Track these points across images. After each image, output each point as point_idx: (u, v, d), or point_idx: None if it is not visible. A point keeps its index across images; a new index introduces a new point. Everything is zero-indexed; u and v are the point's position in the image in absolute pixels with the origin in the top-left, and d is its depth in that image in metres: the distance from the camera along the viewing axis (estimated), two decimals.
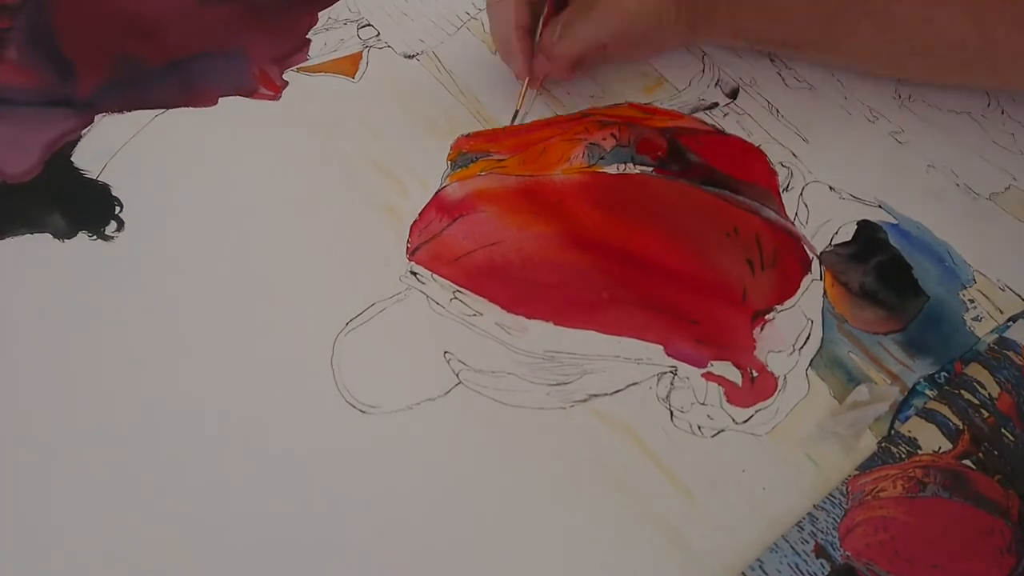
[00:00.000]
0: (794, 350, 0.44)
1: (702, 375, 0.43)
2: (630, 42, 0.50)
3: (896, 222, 0.47)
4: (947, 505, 0.39)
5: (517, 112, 0.51)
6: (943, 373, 0.43)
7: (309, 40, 0.54)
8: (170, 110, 0.51)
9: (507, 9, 0.48)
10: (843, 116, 0.51)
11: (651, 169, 0.49)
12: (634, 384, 0.43)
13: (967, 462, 0.41)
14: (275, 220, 0.47)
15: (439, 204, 0.48)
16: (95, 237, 0.46)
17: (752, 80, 0.53)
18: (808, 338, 0.44)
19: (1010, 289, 0.45)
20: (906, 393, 0.43)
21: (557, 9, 0.48)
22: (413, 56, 0.54)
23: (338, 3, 0.56)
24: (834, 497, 0.40)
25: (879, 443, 0.41)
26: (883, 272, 0.46)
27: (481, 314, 0.44)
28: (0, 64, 0.52)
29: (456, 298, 0.45)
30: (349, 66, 0.53)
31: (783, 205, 0.48)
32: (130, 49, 0.53)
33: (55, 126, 0.50)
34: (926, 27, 0.46)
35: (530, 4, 0.48)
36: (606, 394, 0.42)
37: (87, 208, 0.47)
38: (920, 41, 0.47)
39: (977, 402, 0.42)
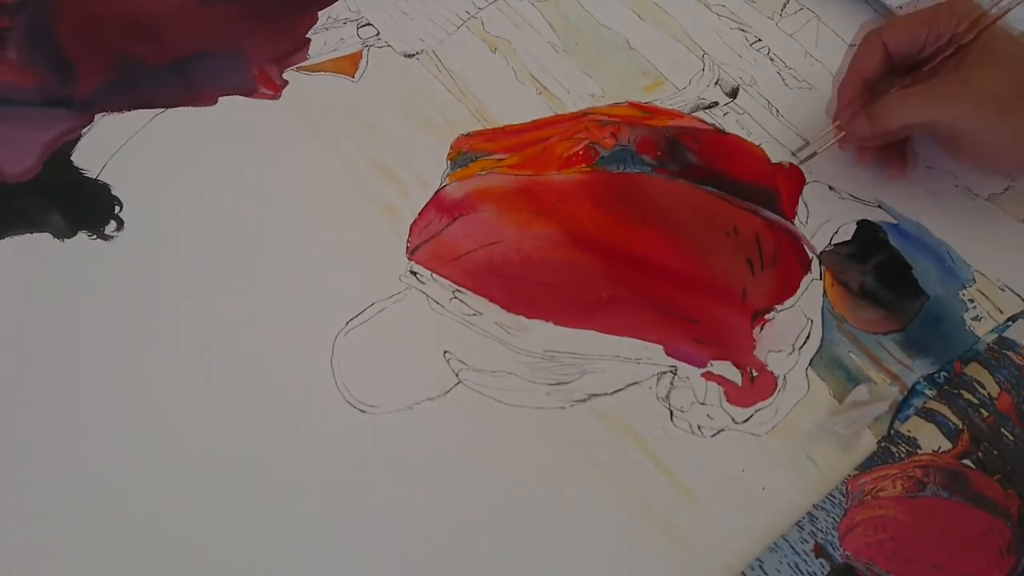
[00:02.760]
0: (794, 350, 0.44)
1: (702, 375, 0.43)
2: (982, 140, 0.43)
3: (896, 222, 0.47)
4: (947, 505, 0.39)
5: (807, 147, 0.49)
6: (943, 373, 0.43)
7: (309, 39, 0.54)
8: (170, 110, 0.51)
9: (864, 53, 0.45)
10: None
11: (651, 169, 0.49)
12: (634, 384, 0.43)
13: (967, 462, 0.41)
14: (275, 220, 0.47)
15: (439, 204, 0.48)
16: (95, 237, 0.46)
17: (752, 80, 0.53)
18: (808, 338, 0.44)
19: (1009, 289, 0.45)
20: (906, 393, 0.43)
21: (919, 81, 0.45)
22: (413, 55, 0.54)
23: (338, 2, 0.56)
24: (834, 497, 0.40)
25: (879, 443, 0.41)
26: (883, 272, 0.46)
27: (481, 314, 0.44)
28: (0, 64, 0.52)
29: (456, 298, 0.45)
30: (349, 65, 0.53)
31: (789, 205, 0.48)
32: (130, 49, 0.53)
33: (55, 126, 0.50)
34: None
35: (888, 59, 0.45)
36: (606, 394, 0.42)
37: (87, 208, 0.47)
38: None
39: (977, 402, 0.42)
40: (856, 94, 0.46)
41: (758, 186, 0.48)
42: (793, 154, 0.49)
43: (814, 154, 0.48)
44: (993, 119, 0.42)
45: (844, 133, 0.47)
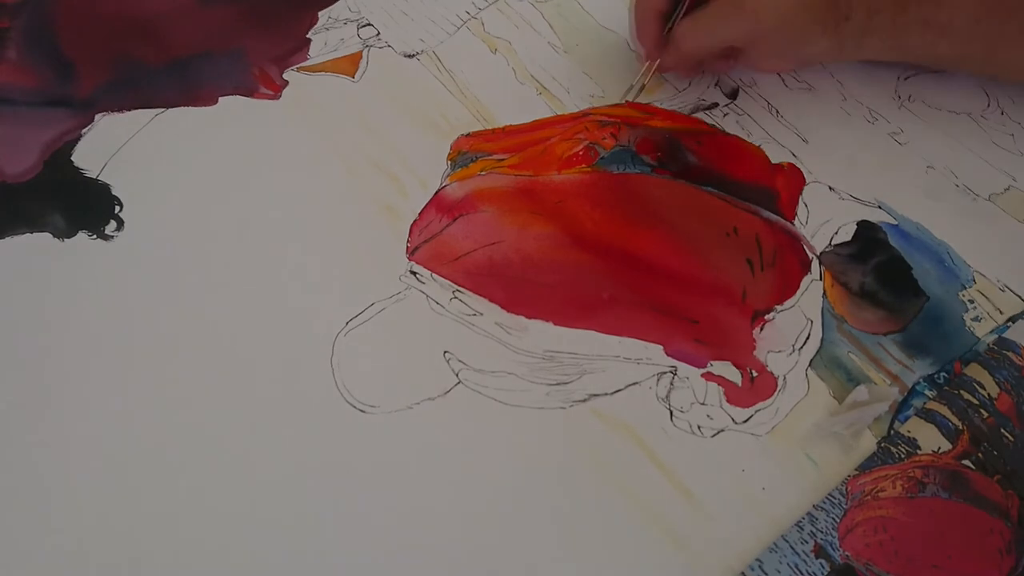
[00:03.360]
0: (794, 350, 0.44)
1: (702, 375, 0.43)
2: (766, 52, 0.49)
3: (896, 222, 0.47)
4: (946, 505, 0.39)
5: (632, 87, 0.51)
6: (943, 373, 0.43)
7: (309, 40, 0.54)
8: (170, 110, 0.51)
9: None
10: (843, 116, 0.51)
11: (651, 169, 0.49)
12: (634, 384, 0.43)
13: (966, 462, 0.41)
14: (275, 220, 0.47)
15: (439, 204, 0.48)
16: (95, 236, 0.46)
17: (752, 80, 0.53)
18: (808, 338, 0.44)
19: (1010, 290, 0.45)
20: (906, 393, 0.43)
21: (699, 3, 0.48)
22: (413, 55, 0.54)
23: (338, 3, 0.56)
24: (833, 497, 0.40)
25: (879, 443, 0.41)
26: (883, 272, 0.46)
27: (481, 314, 0.44)
28: (0, 64, 0.52)
29: (456, 298, 0.45)
30: (349, 66, 0.53)
31: (789, 205, 0.48)
32: (130, 49, 0.53)
33: (55, 126, 0.50)
34: None
35: None
36: (606, 394, 0.42)
37: (87, 207, 0.47)
38: None
39: (977, 402, 0.42)
40: (655, 26, 0.49)
41: (758, 186, 0.48)
42: (623, 100, 0.51)
43: (642, 87, 0.51)
44: (768, 33, 0.47)
45: (657, 63, 0.50)
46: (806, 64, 0.52)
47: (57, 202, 0.47)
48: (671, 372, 0.43)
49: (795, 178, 0.49)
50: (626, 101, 0.51)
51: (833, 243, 0.47)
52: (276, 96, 0.52)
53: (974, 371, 0.43)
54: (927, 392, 0.43)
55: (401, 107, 0.51)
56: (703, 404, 0.42)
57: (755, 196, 0.48)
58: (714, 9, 0.47)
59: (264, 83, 0.52)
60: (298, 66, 0.53)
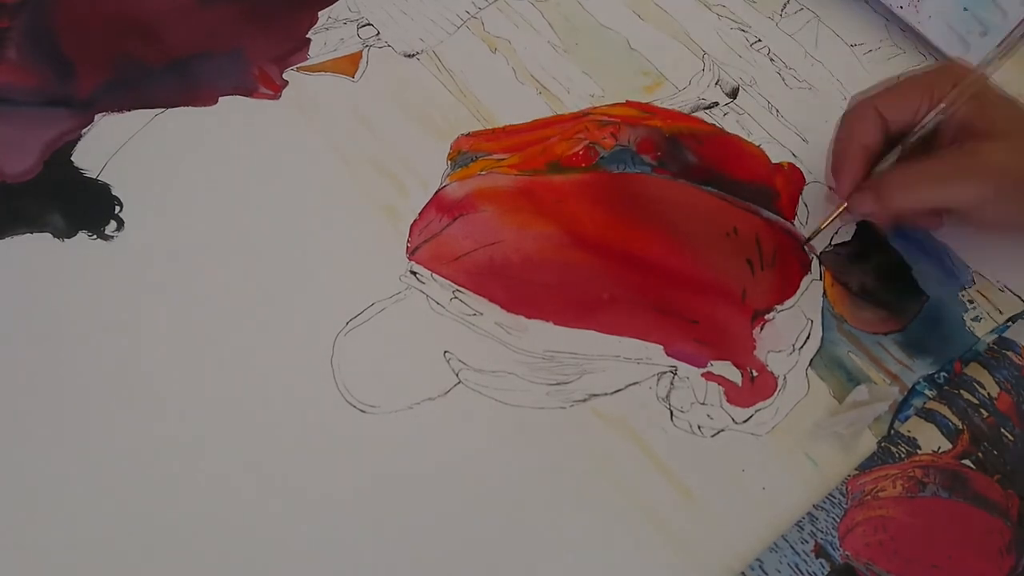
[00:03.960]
0: (794, 350, 0.44)
1: (702, 375, 0.43)
2: (997, 214, 0.42)
3: None
4: (947, 505, 0.40)
5: (818, 230, 0.45)
6: (943, 373, 0.43)
7: (309, 39, 0.54)
8: (170, 110, 0.51)
9: (862, 125, 0.42)
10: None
11: (651, 169, 0.49)
12: (634, 384, 0.43)
13: (967, 462, 0.41)
14: (275, 220, 0.47)
15: (439, 203, 0.48)
16: (95, 237, 0.46)
17: (752, 80, 0.53)
18: (808, 338, 0.44)
19: (1009, 290, 0.45)
20: (906, 393, 0.43)
21: (923, 150, 0.42)
22: (413, 55, 0.54)
23: (338, 2, 0.56)
24: (834, 497, 0.40)
25: (879, 443, 0.41)
26: (883, 272, 0.46)
27: (481, 314, 0.44)
28: (0, 64, 0.52)
29: (456, 298, 0.45)
30: (349, 65, 0.53)
31: (789, 205, 0.48)
32: (130, 49, 0.53)
33: (55, 126, 0.50)
34: None
35: (885, 129, 0.42)
36: (606, 394, 0.42)
37: (87, 208, 0.47)
38: None
39: (977, 402, 0.42)
40: (859, 166, 0.43)
41: (758, 186, 0.48)
42: (806, 241, 0.46)
43: (818, 231, 0.45)
44: (1012, 197, 0.40)
45: (846, 206, 0.44)
46: None
47: (57, 202, 0.47)
48: (671, 372, 0.43)
49: (795, 178, 0.49)
50: (805, 240, 0.46)
51: (833, 243, 0.47)
52: (276, 96, 0.52)
53: (974, 371, 0.43)
54: (927, 392, 0.43)
55: (401, 107, 0.51)
56: (703, 404, 0.42)
57: (755, 196, 0.48)
58: (939, 164, 0.41)
59: (264, 83, 0.52)
60: (298, 66, 0.53)
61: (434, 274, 0.45)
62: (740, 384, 0.43)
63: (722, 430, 0.42)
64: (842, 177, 0.43)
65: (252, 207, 0.48)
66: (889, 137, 0.43)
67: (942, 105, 0.41)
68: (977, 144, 0.40)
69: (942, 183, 0.41)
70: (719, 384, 0.43)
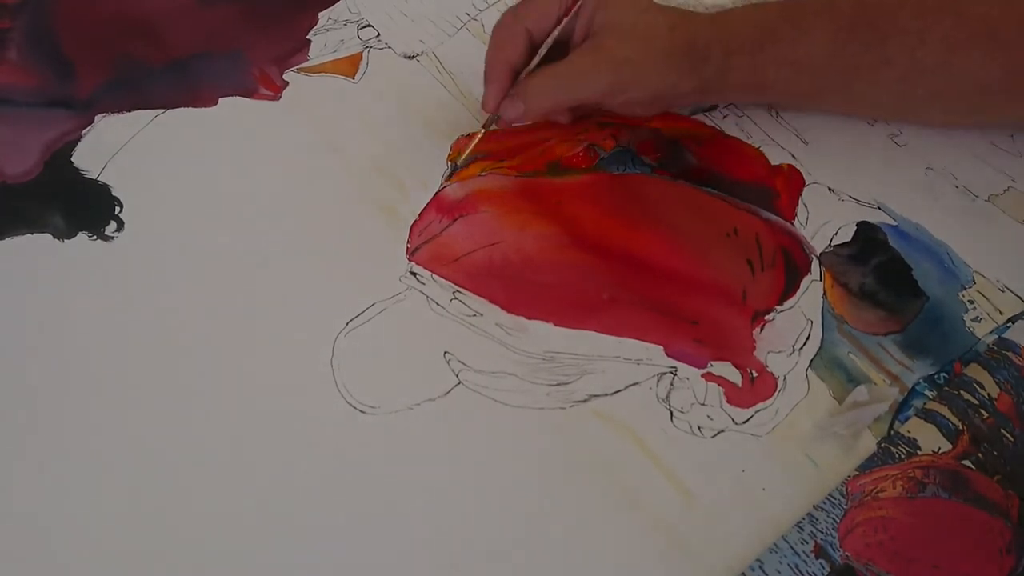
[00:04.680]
0: (794, 351, 0.44)
1: (702, 375, 0.43)
2: (627, 103, 0.47)
3: (895, 223, 0.47)
4: (947, 505, 0.39)
5: (467, 150, 0.48)
6: (942, 374, 0.43)
7: (309, 41, 0.54)
8: (170, 110, 0.51)
9: (506, 39, 0.46)
10: (842, 118, 0.51)
11: (651, 170, 0.49)
12: (634, 384, 0.43)
13: (967, 462, 0.41)
14: (275, 220, 0.47)
15: (439, 204, 0.48)
16: (95, 237, 0.46)
17: None
18: (808, 339, 0.44)
19: (1009, 290, 0.45)
20: (906, 394, 0.43)
21: (556, 56, 0.45)
22: (413, 57, 0.54)
23: (338, 4, 0.56)
24: (834, 497, 0.40)
25: (879, 443, 0.41)
26: (883, 273, 0.46)
27: (481, 314, 0.44)
28: (0, 64, 0.52)
29: (456, 298, 0.45)
30: (349, 67, 0.53)
31: (789, 206, 0.48)
32: (130, 49, 0.53)
33: (55, 126, 0.50)
34: (949, 71, 0.44)
35: (529, 43, 0.46)
36: (606, 394, 0.42)
37: (87, 208, 0.47)
38: (944, 86, 0.45)
39: (976, 402, 0.42)
40: (504, 77, 0.46)
41: (758, 187, 0.48)
42: (451, 160, 0.49)
43: (477, 140, 0.48)
44: (629, 84, 0.45)
45: (500, 118, 0.46)
46: (672, 108, 0.50)
47: (57, 203, 0.47)
48: (671, 372, 0.43)
49: (795, 179, 0.49)
50: (451, 168, 0.49)
51: (833, 244, 0.47)
52: (276, 97, 0.52)
53: (974, 371, 0.43)
54: (927, 392, 0.43)
55: (401, 108, 0.51)
56: (703, 405, 0.42)
57: (755, 196, 0.48)
58: (567, 66, 0.45)
59: (264, 84, 0.52)
60: (298, 67, 0.53)
61: (434, 275, 0.45)
62: (740, 385, 0.43)
63: (722, 431, 0.42)
64: (489, 88, 0.46)
65: (252, 208, 0.48)
66: (534, 46, 0.46)
67: (573, 10, 0.45)
68: (600, 40, 0.45)
69: (572, 81, 0.45)
70: (719, 385, 0.43)
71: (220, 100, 0.51)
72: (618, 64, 0.44)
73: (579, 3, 0.45)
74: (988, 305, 0.45)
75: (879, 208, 0.48)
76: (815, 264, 0.46)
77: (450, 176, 0.48)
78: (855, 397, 0.42)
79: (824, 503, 0.40)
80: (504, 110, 0.46)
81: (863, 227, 0.47)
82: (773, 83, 0.47)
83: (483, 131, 0.47)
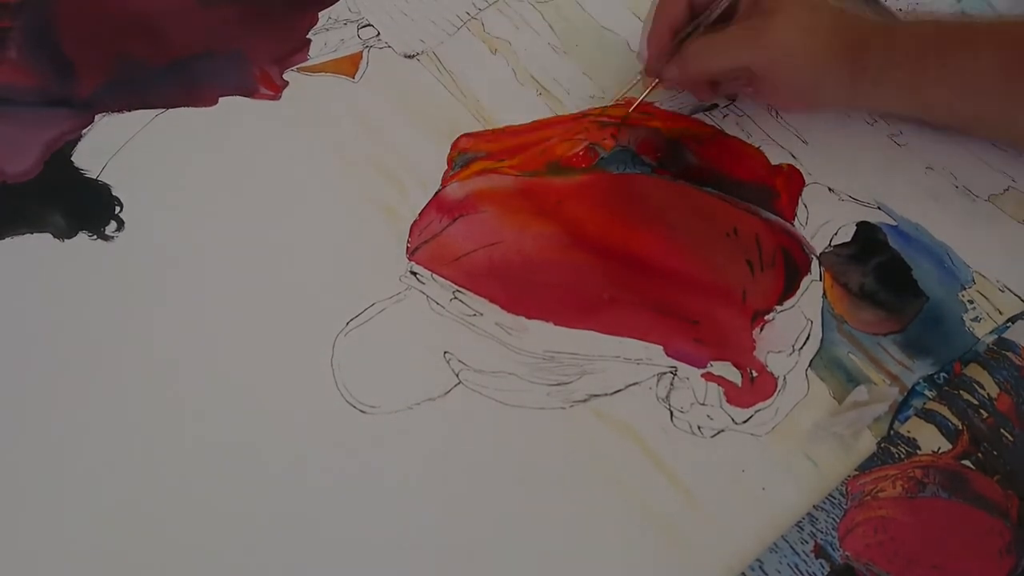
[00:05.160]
0: (794, 350, 0.44)
1: (702, 375, 0.43)
2: (779, 87, 0.47)
3: (895, 223, 0.47)
4: (946, 505, 0.40)
5: (636, 105, 0.50)
6: (942, 374, 0.43)
7: (309, 40, 0.54)
8: (170, 110, 0.51)
9: (671, 2, 0.47)
10: (842, 118, 0.51)
11: (651, 170, 0.49)
12: (634, 384, 0.43)
13: (966, 462, 0.41)
14: (275, 220, 0.47)
15: (439, 204, 0.48)
16: (95, 237, 0.46)
17: None
18: (808, 338, 0.44)
19: (1009, 290, 0.45)
20: (905, 394, 0.43)
21: (720, 21, 0.46)
22: (413, 56, 0.54)
23: (338, 3, 0.56)
24: (834, 497, 0.40)
25: (879, 443, 0.41)
26: (882, 273, 0.46)
27: (481, 314, 0.44)
28: (0, 64, 0.52)
29: (456, 298, 0.45)
30: (349, 66, 0.53)
31: (789, 206, 0.48)
32: (130, 49, 0.53)
33: (55, 126, 0.50)
34: None
35: (691, 7, 0.47)
36: (606, 394, 0.42)
37: (87, 208, 0.47)
38: None
39: (976, 402, 0.42)
40: (665, 43, 0.47)
41: (758, 187, 0.48)
42: (616, 103, 0.51)
43: (638, 103, 0.50)
44: (782, 68, 0.45)
45: (658, 81, 0.49)
46: (819, 107, 0.50)
47: (57, 202, 0.47)
48: (671, 372, 0.43)
49: (795, 179, 0.49)
50: (621, 117, 0.51)
51: (833, 244, 0.47)
52: (276, 96, 0.52)
53: (974, 371, 0.43)
54: (927, 392, 0.43)
55: (401, 108, 0.51)
56: (703, 404, 0.42)
57: (755, 196, 0.48)
58: (730, 34, 0.45)
59: (264, 83, 0.52)
60: (298, 66, 0.53)
61: (434, 274, 0.45)
62: (740, 384, 0.43)
63: (722, 430, 0.42)
64: (652, 51, 0.48)
65: (252, 207, 0.48)
66: (695, 14, 0.47)
67: None
68: (763, 20, 0.44)
69: (731, 52, 0.46)
70: (719, 384, 0.43)
71: (220, 100, 0.51)
72: (777, 45, 0.44)
73: None
74: (988, 305, 0.45)
75: (879, 208, 0.48)
76: (815, 264, 0.46)
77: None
78: (855, 397, 0.42)
79: (824, 503, 0.40)
80: (663, 71, 0.47)
81: (863, 227, 0.47)
82: (930, 104, 0.47)
83: (647, 91, 0.49)
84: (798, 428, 0.42)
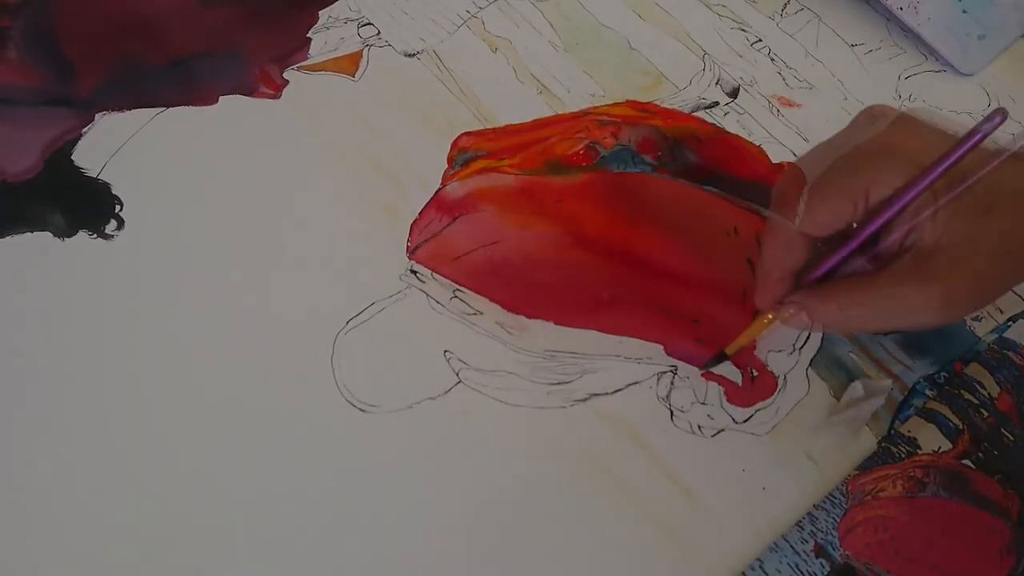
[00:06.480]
0: (794, 350, 0.44)
1: (702, 375, 0.43)
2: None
3: None
4: (947, 505, 0.39)
5: (740, 346, 0.41)
6: (943, 373, 0.43)
7: (309, 39, 0.54)
8: (170, 109, 0.51)
9: (786, 248, 0.37)
10: (843, 116, 0.51)
11: (651, 169, 0.49)
12: (634, 383, 0.43)
13: (967, 462, 0.41)
14: (275, 219, 0.47)
15: (439, 203, 0.48)
16: (95, 236, 0.46)
17: (752, 79, 0.53)
18: (808, 338, 0.44)
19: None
20: (906, 393, 0.43)
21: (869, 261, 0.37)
22: (413, 55, 0.54)
23: (338, 2, 0.56)
24: (834, 497, 0.40)
25: (879, 443, 0.41)
26: None
27: (481, 313, 0.44)
28: (0, 63, 0.52)
29: (456, 297, 0.45)
30: (349, 65, 0.53)
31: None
32: (130, 48, 0.53)
33: (55, 125, 0.50)
34: None
35: (812, 247, 0.37)
36: (606, 393, 0.42)
37: (87, 207, 0.47)
38: None
39: (977, 402, 0.42)
40: (783, 286, 0.38)
41: (759, 186, 0.48)
42: (726, 356, 0.42)
43: (740, 347, 0.42)
44: (966, 311, 0.37)
45: (777, 320, 0.39)
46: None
47: (57, 201, 0.47)
48: (671, 372, 0.43)
49: None
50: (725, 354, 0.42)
51: None
52: (276, 95, 0.52)
53: (974, 371, 0.43)
54: (927, 392, 0.43)
55: (401, 106, 0.51)
56: (703, 404, 0.42)
57: (756, 195, 0.48)
58: (880, 290, 0.35)
59: (264, 82, 0.52)
60: (298, 65, 0.53)
61: (434, 273, 0.45)
62: (740, 384, 0.43)
63: (722, 430, 0.42)
64: (763, 295, 0.39)
65: (252, 206, 0.48)
66: (816, 246, 0.37)
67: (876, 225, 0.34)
68: (920, 264, 0.34)
69: (889, 312, 0.35)
70: (719, 384, 0.43)
71: (220, 99, 0.51)
72: (965, 298, 0.34)
73: (894, 212, 0.34)
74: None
75: None
76: None
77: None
78: (851, 394, 0.42)
79: (824, 502, 0.40)
80: (783, 315, 0.38)
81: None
82: None
83: (760, 332, 0.40)
84: (798, 428, 0.42)
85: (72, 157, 0.49)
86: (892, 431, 0.42)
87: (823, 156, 0.36)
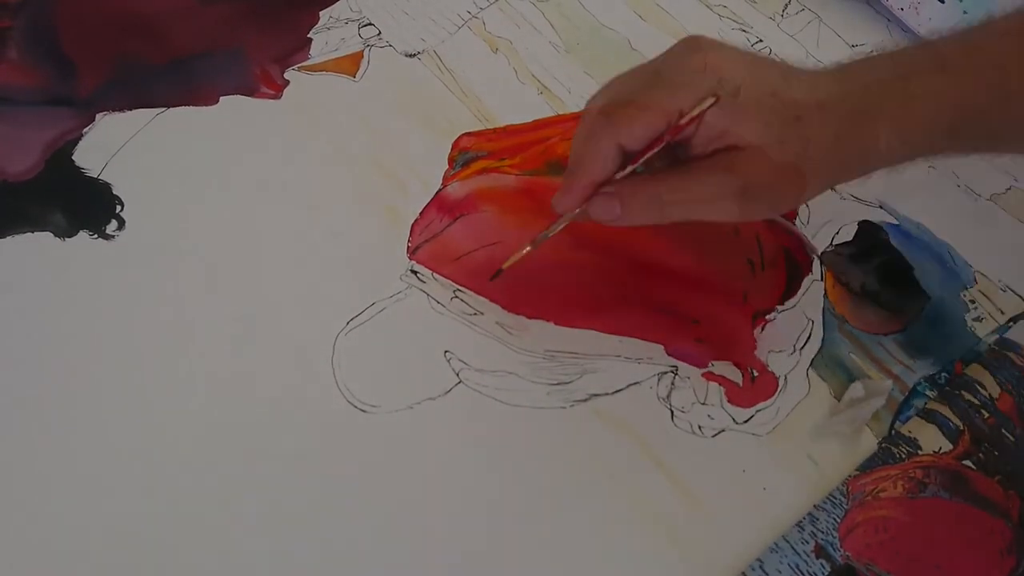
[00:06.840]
0: (795, 350, 0.44)
1: (703, 375, 0.43)
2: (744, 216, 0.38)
3: (897, 223, 0.47)
4: (947, 506, 0.39)
5: (538, 238, 0.40)
6: (944, 374, 0.43)
7: (310, 39, 0.54)
8: (171, 109, 0.51)
9: (594, 155, 0.37)
10: None
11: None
12: (635, 383, 0.43)
13: (967, 462, 0.41)
14: (275, 219, 0.47)
15: (440, 203, 0.48)
16: (96, 236, 0.46)
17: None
18: (809, 338, 0.44)
19: (1011, 290, 0.45)
20: (907, 394, 0.43)
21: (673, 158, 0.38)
22: (414, 55, 0.54)
23: (339, 2, 0.56)
24: (834, 497, 0.40)
25: (879, 443, 0.41)
26: (884, 273, 0.46)
27: (482, 313, 0.44)
28: (1, 63, 0.52)
29: (457, 297, 0.45)
30: (350, 65, 0.53)
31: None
32: (131, 48, 0.53)
33: (56, 125, 0.50)
34: None
35: (621, 157, 0.37)
36: (607, 393, 0.42)
37: (88, 207, 0.47)
38: None
39: (978, 403, 0.42)
40: (586, 195, 0.38)
41: None
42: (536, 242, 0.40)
43: (547, 236, 0.40)
44: (763, 209, 0.39)
45: (579, 212, 0.39)
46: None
47: (58, 201, 0.47)
48: (672, 372, 0.43)
49: None
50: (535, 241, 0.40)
51: (834, 243, 0.47)
52: (277, 96, 0.52)
53: (975, 371, 0.43)
54: (928, 392, 0.43)
55: (402, 107, 0.51)
56: (704, 404, 0.42)
57: None
58: (692, 179, 0.37)
59: (265, 83, 0.52)
60: (299, 65, 0.53)
61: (435, 273, 0.45)
62: (741, 384, 0.43)
63: (723, 430, 0.42)
64: (565, 198, 0.39)
65: (253, 207, 0.48)
66: (626, 156, 0.38)
67: (687, 124, 0.36)
68: (730, 158, 0.36)
69: (690, 206, 0.37)
70: (720, 384, 0.43)
71: (221, 99, 0.51)
72: (752, 191, 0.36)
73: (693, 118, 0.36)
74: (989, 305, 0.45)
75: (881, 207, 0.48)
76: (816, 264, 0.46)
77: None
78: (851, 394, 0.42)
79: (825, 503, 0.40)
80: (595, 208, 0.38)
81: (864, 226, 0.47)
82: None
83: (560, 226, 0.40)
84: (799, 428, 0.42)
85: (73, 157, 0.49)
86: (893, 431, 0.42)
87: (641, 75, 0.40)
